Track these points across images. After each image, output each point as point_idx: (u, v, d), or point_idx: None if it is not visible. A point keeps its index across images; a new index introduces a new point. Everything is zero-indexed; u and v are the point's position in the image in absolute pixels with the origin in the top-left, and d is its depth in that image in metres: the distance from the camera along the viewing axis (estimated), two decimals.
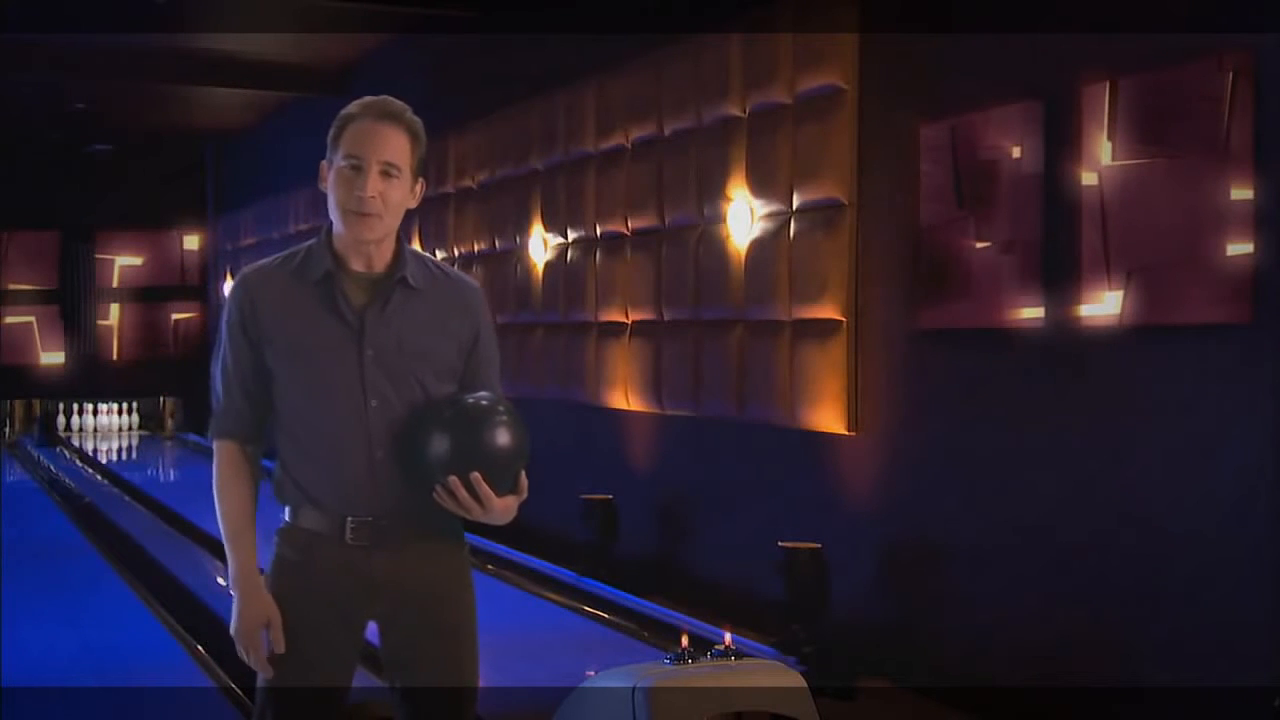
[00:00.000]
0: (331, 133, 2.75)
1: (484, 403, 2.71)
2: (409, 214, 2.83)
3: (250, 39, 11.36)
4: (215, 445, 2.83)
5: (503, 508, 2.71)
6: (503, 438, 2.67)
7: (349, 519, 2.72)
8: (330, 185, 2.74)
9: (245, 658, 2.73)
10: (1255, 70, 4.16)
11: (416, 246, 10.46)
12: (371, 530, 2.72)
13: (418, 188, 2.79)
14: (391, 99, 2.77)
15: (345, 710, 2.81)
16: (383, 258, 2.77)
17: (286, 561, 2.77)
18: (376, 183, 2.69)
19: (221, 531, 2.80)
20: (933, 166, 5.41)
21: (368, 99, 2.76)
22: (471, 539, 2.90)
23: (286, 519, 2.80)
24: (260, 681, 2.76)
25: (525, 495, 2.76)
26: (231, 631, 2.73)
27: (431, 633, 2.78)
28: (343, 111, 2.77)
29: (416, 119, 2.77)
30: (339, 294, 2.74)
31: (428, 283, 2.81)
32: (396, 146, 2.71)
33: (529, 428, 2.74)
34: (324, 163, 2.76)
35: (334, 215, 2.75)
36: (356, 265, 2.76)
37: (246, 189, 16.00)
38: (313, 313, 2.74)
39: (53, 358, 17.34)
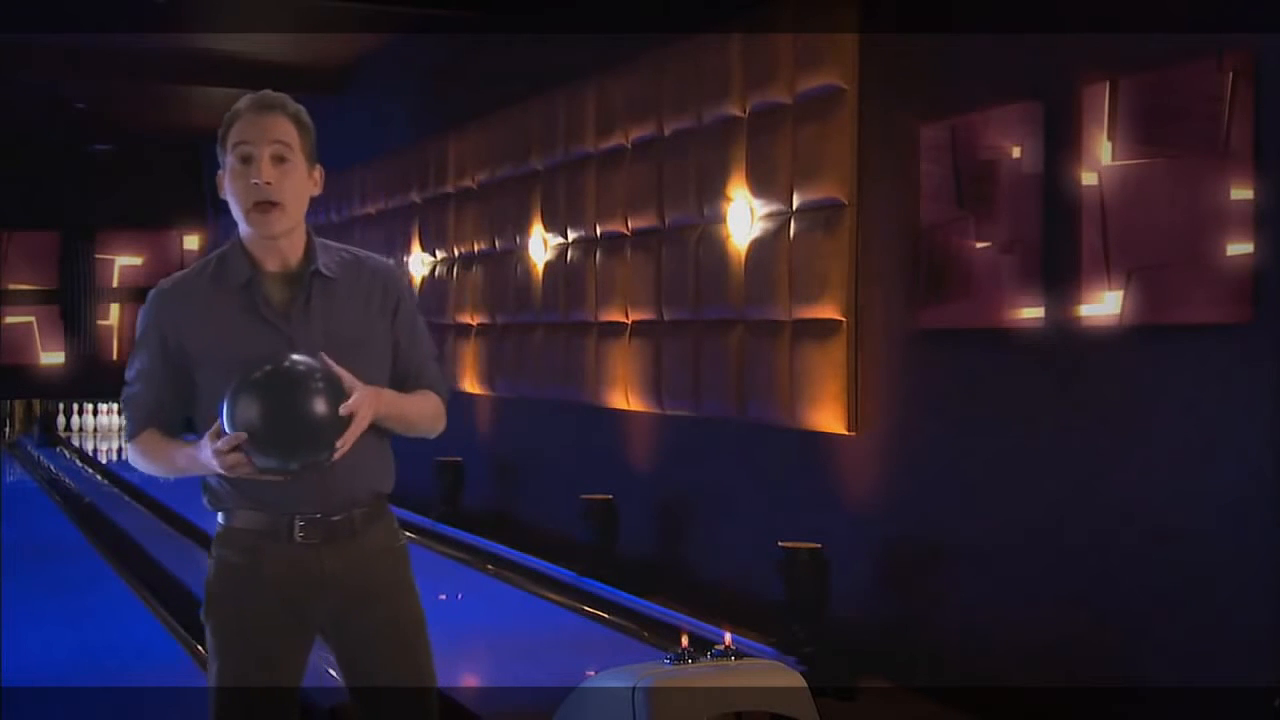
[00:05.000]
0: (220, 135, 2.73)
1: (300, 367, 2.59)
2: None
3: (250, 39, 11.34)
4: (133, 441, 2.80)
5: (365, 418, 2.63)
6: (319, 405, 2.55)
7: (297, 517, 2.70)
8: (227, 186, 2.72)
9: (229, 467, 2.60)
10: (1255, 70, 4.16)
11: (417, 247, 10.44)
12: (321, 527, 2.71)
13: (316, 174, 2.77)
14: (270, 91, 2.76)
15: (322, 712, 2.79)
16: (295, 253, 2.76)
17: (229, 564, 2.74)
18: (270, 169, 2.67)
19: (164, 469, 2.76)
20: (933, 166, 5.41)
21: (247, 96, 2.75)
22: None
23: (221, 523, 2.77)
24: (211, 681, 2.73)
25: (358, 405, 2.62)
26: (217, 465, 2.61)
27: (384, 629, 2.77)
28: (226, 116, 2.75)
29: (300, 106, 2.76)
30: (260, 298, 2.71)
31: (341, 270, 2.78)
32: (284, 130, 2.70)
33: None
34: (219, 172, 2.75)
35: (237, 217, 2.73)
36: (272, 265, 2.74)
37: None
38: (237, 320, 2.71)
39: (53, 358, 17.32)
